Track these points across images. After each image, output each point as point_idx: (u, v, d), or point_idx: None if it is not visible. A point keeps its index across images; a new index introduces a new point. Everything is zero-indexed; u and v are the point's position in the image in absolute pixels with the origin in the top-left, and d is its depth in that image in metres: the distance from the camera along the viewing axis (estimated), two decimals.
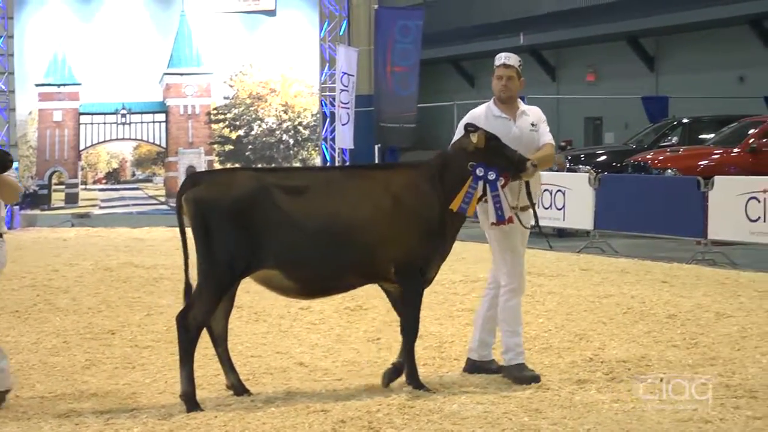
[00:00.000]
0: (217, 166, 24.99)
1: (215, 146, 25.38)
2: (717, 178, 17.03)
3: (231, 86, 25.44)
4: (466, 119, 8.44)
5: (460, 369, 8.69)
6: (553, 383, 8.08)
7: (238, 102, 25.31)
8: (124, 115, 25.02)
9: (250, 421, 7.07)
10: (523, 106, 8.58)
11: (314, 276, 7.79)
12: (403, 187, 7.96)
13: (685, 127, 27.17)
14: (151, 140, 25.39)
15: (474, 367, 8.62)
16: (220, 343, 7.99)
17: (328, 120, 25.26)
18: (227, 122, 25.50)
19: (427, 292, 8.81)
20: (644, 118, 30.98)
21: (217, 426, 6.97)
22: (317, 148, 25.30)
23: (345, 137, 23.67)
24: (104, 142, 25.17)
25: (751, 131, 22.47)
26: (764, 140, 21.98)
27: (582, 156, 27.76)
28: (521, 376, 8.22)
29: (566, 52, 41.96)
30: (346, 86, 23.79)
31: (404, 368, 8.05)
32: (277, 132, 25.54)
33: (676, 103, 31.02)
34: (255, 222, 7.53)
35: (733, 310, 11.38)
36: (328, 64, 25.35)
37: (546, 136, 8.47)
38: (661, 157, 22.14)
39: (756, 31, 33.09)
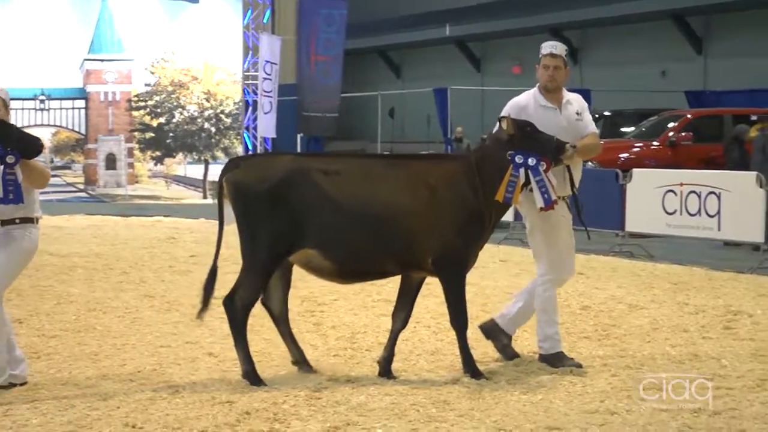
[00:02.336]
0: (138, 154, 24.71)
1: (136, 134, 25.10)
2: (635, 171, 17.14)
3: (152, 73, 25.19)
4: (508, 108, 8.40)
5: (372, 359, 8.61)
6: (463, 375, 8.02)
7: (160, 89, 25.08)
8: (42, 101, 24.65)
9: (153, 412, 6.95)
10: (567, 94, 8.48)
11: (350, 258, 7.83)
12: (441, 178, 7.96)
13: (607, 120, 27.38)
14: (70, 127, 25.04)
15: (493, 327, 8.71)
16: (281, 322, 8.23)
17: (250, 108, 25.08)
18: (148, 109, 25.25)
19: None
20: None
21: (119, 417, 6.83)
22: (239, 137, 25.13)
23: (267, 126, 23.52)
24: (22, 128, 24.78)
25: (671, 125, 22.70)
26: (683, 134, 22.21)
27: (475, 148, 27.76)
28: (561, 364, 8.23)
29: (492, 44, 42.06)
30: (269, 75, 23.64)
31: (461, 358, 8.05)
32: (199, 120, 25.35)
33: (598, 96, 31.19)
34: (294, 203, 7.68)
35: (646, 302, 11.43)
36: (251, 53, 25.18)
37: (590, 126, 8.45)
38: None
39: (678, 25, 33.42)
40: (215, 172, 27.05)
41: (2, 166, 7.35)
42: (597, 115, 28.16)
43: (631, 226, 16.60)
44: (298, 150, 25.39)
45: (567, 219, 8.39)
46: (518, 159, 7.87)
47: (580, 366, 8.22)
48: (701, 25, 33.53)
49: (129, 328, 10.09)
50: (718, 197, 15.43)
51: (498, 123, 8.09)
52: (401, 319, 8.19)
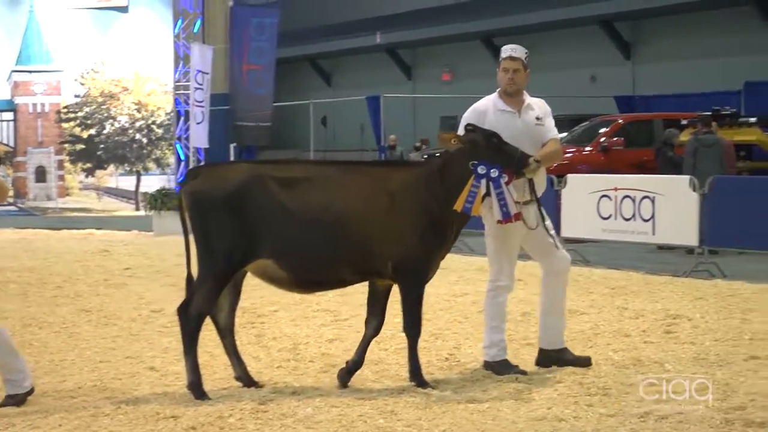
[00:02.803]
0: (68, 166, 24.43)
1: (66, 145, 24.79)
2: (570, 177, 17.21)
3: (82, 84, 24.89)
4: (468, 113, 8.33)
5: (315, 370, 8.54)
6: (409, 384, 7.98)
7: (90, 100, 24.80)
8: None
9: (96, 429, 6.83)
10: (528, 98, 8.40)
11: (306, 267, 7.78)
12: (400, 184, 7.90)
13: None
14: None
15: (547, 357, 8.54)
16: (225, 334, 8.12)
17: (182, 119, 24.85)
18: (78, 121, 24.94)
19: (281, 292, 8.69)
20: None
21: None
22: (171, 148, 24.92)
23: (200, 136, 23.33)
24: None
25: (602, 130, 22.87)
26: (615, 139, 22.37)
27: (438, 155, 27.81)
28: (506, 372, 8.19)
29: (422, 51, 42.18)
30: (201, 84, 23.45)
31: (409, 366, 8.01)
32: (130, 131, 25.11)
33: None
34: (250, 212, 7.63)
35: (585, 307, 11.47)
36: (182, 62, 24.96)
37: (551, 132, 8.36)
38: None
39: (606, 31, 33.72)
40: (147, 183, 26.85)
41: None
42: None
43: (566, 231, 16.63)
44: (231, 159, 25.23)
45: (523, 229, 8.29)
46: (481, 170, 7.83)
47: (525, 373, 8.21)
48: (629, 31, 33.88)
49: (67, 344, 9.93)
50: (653, 201, 15.54)
51: (464, 130, 8.02)
52: (373, 327, 8.15)
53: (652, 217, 15.56)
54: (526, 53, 8.39)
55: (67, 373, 8.61)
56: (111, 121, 24.95)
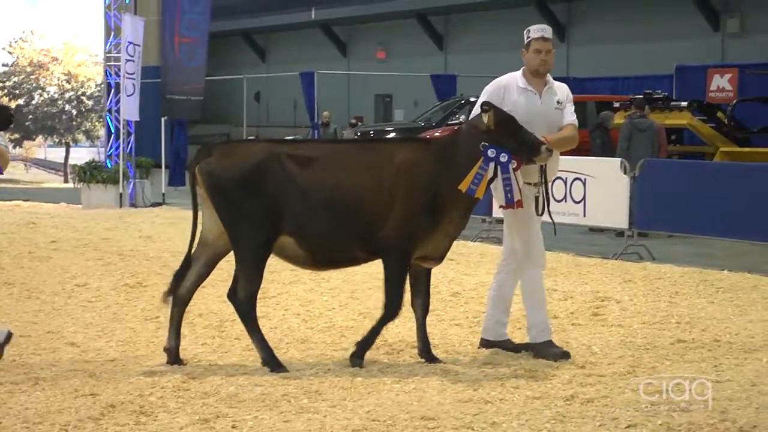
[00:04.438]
0: None
1: None
2: None
3: (10, 53, 24.45)
4: (490, 87, 8.20)
5: (241, 348, 8.42)
6: (335, 364, 7.90)
7: (18, 70, 24.35)
8: None
9: (12, 405, 6.66)
10: (551, 82, 8.26)
11: (322, 246, 7.81)
12: (403, 161, 7.81)
13: (472, 105, 27.43)
14: None
15: (490, 346, 8.41)
16: (178, 304, 8.02)
17: (113, 91, 24.49)
18: (6, 90, 24.51)
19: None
20: (433, 96, 31.29)
21: None
22: (101, 120, 24.58)
23: (130, 109, 22.99)
24: None
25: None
26: None
27: (371, 133, 27.84)
28: (549, 352, 8.08)
29: (357, 29, 42.06)
30: (132, 56, 23.08)
31: (363, 337, 8.02)
32: (60, 102, 24.80)
33: (464, 82, 31.42)
34: (270, 190, 7.64)
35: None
36: (113, 34, 24.58)
37: (569, 117, 8.22)
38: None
39: (541, 12, 33.78)
40: (76, 155, 26.49)
41: None
42: (463, 101, 28.40)
43: (498, 211, 16.63)
44: (162, 134, 24.95)
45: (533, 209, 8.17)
46: (490, 153, 7.71)
47: (568, 356, 8.06)
48: (564, 12, 33.98)
49: None
50: (584, 183, 15.55)
51: (480, 109, 7.87)
52: (420, 307, 8.13)
53: (583, 199, 15.56)
54: (552, 33, 8.31)
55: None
56: (40, 91, 24.58)
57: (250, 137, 30.70)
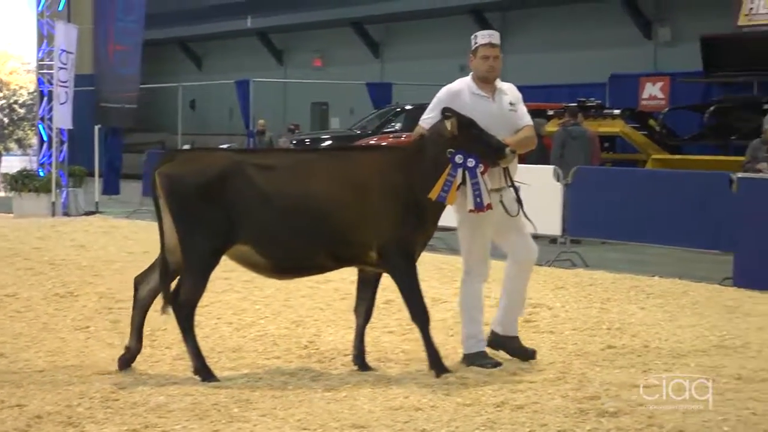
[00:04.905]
0: None
1: None
2: None
3: None
4: (442, 95, 8.17)
5: (171, 357, 8.36)
6: (266, 372, 7.88)
7: None
8: None
9: None
10: (499, 83, 8.24)
11: (284, 254, 7.79)
12: (374, 170, 7.81)
13: (408, 113, 27.60)
14: None
15: (497, 341, 8.43)
16: (138, 307, 8.03)
17: (45, 99, 24.23)
18: None
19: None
20: (369, 104, 31.32)
21: None
22: (34, 128, 24.29)
23: (63, 117, 22.76)
24: None
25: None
26: None
27: (307, 141, 27.81)
28: (482, 363, 8.06)
29: (294, 37, 42.00)
30: (65, 64, 22.86)
31: (428, 354, 7.87)
32: None
33: (400, 90, 31.50)
34: (229, 198, 7.61)
35: (449, 295, 11.45)
36: (46, 41, 24.33)
37: (525, 118, 8.22)
38: (384, 143, 22.33)
39: (476, 21, 33.96)
40: (8, 164, 26.18)
41: None
42: (399, 109, 28.46)
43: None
44: (95, 142, 24.74)
45: (493, 218, 8.13)
46: (458, 159, 7.72)
47: (500, 365, 8.09)
48: (499, 21, 34.15)
49: None
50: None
51: (441, 115, 7.87)
52: (363, 314, 8.14)
53: None
54: (499, 38, 8.32)
55: None
56: None
57: (185, 145, 30.52)
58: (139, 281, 8.05)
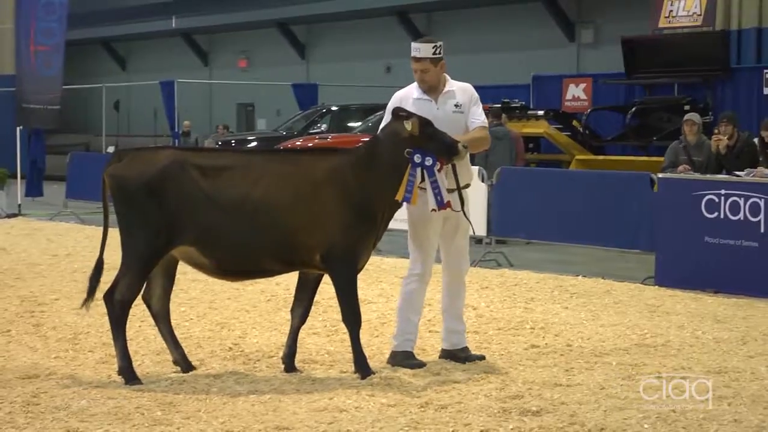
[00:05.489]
0: None
1: None
2: None
3: None
4: (392, 102, 8.16)
5: (95, 361, 8.30)
6: (191, 375, 7.85)
7: None
8: None
9: None
10: (450, 86, 8.20)
11: (229, 256, 7.73)
12: (325, 173, 7.73)
13: (334, 114, 27.62)
14: None
15: (449, 355, 8.39)
16: (160, 320, 8.06)
17: None
18: None
19: (65, 280, 8.38)
20: (295, 105, 31.27)
21: None
22: None
23: None
24: None
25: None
26: None
27: (233, 142, 27.72)
28: (407, 363, 8.08)
29: (219, 37, 41.81)
30: None
31: (355, 357, 7.89)
32: None
33: (325, 91, 31.48)
34: (172, 198, 7.56)
35: (374, 296, 11.49)
36: None
37: (479, 119, 8.17)
38: (310, 144, 22.31)
39: (402, 22, 34.06)
40: None
41: None
42: (324, 110, 28.45)
43: None
44: (18, 143, 24.42)
45: (439, 218, 8.12)
46: (417, 158, 7.71)
47: (424, 365, 8.12)
48: (424, 22, 34.28)
49: None
50: None
51: (392, 116, 7.90)
52: (299, 315, 8.08)
53: None
54: (434, 47, 8.15)
55: None
56: None
57: (110, 147, 30.25)
58: (146, 298, 8.01)
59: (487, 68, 30.52)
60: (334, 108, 28.13)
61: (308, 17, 36.19)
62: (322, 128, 26.95)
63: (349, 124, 26.33)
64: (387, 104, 8.31)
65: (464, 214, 8.25)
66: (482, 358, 8.44)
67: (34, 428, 6.45)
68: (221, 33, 40.96)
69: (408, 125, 7.77)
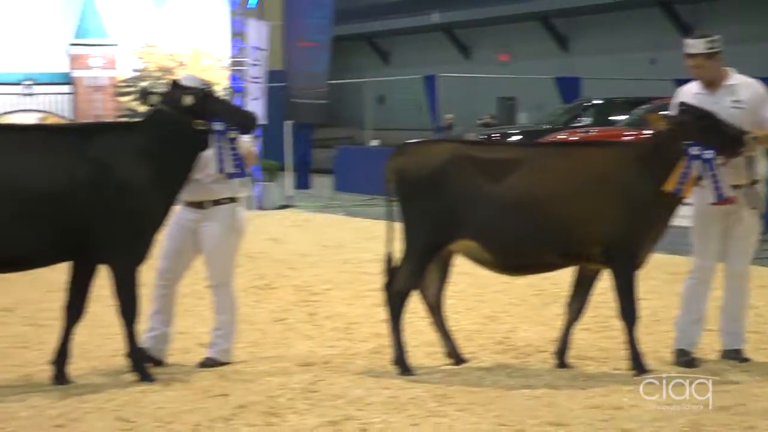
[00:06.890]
0: None
1: (123, 119, 24.78)
2: None
3: (140, 58, 24.89)
4: (676, 96, 8.09)
5: (367, 351, 8.43)
6: (462, 367, 7.88)
7: (147, 74, 24.77)
8: (28, 86, 24.33)
9: (146, 405, 6.79)
10: (733, 80, 7.98)
11: (510, 250, 7.71)
12: (611, 166, 7.74)
13: (597, 108, 27.26)
14: (57, 112, 24.75)
15: (728, 355, 8.22)
16: (434, 311, 8.09)
17: (239, 95, 24.73)
18: (136, 95, 24.90)
19: (335, 270, 8.54)
20: (557, 99, 31.05)
21: (110, 410, 6.69)
22: None
23: (256, 112, 23.15)
24: (8, 113, 24.45)
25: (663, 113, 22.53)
26: None
27: (495, 135, 27.76)
28: (684, 362, 7.97)
29: (480, 31, 41.96)
30: (258, 61, 23.31)
31: (630, 354, 7.79)
32: None
33: (588, 84, 31.12)
34: (453, 192, 7.60)
35: (644, 292, 11.01)
36: (239, 38, 24.83)
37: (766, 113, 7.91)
38: (574, 138, 22.09)
39: (667, 13, 33.37)
40: None
41: (230, 141, 7.57)
42: (587, 104, 28.13)
43: None
44: (289, 137, 25.09)
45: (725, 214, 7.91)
46: (694, 151, 7.53)
47: (700, 365, 7.95)
48: (689, 13, 33.45)
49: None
50: None
51: (678, 111, 7.79)
52: (575, 311, 8.03)
53: None
54: (708, 42, 7.91)
55: (119, 348, 8.47)
56: None
57: (373, 140, 30.81)
58: (422, 289, 8.01)
59: (765, 59, 29.48)
60: (597, 101, 27.77)
61: (569, 10, 35.91)
62: (586, 122, 26.66)
63: (613, 118, 25.92)
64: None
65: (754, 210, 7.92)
66: (746, 360, 8.09)
67: (313, 414, 6.60)
68: (482, 27, 41.09)
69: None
